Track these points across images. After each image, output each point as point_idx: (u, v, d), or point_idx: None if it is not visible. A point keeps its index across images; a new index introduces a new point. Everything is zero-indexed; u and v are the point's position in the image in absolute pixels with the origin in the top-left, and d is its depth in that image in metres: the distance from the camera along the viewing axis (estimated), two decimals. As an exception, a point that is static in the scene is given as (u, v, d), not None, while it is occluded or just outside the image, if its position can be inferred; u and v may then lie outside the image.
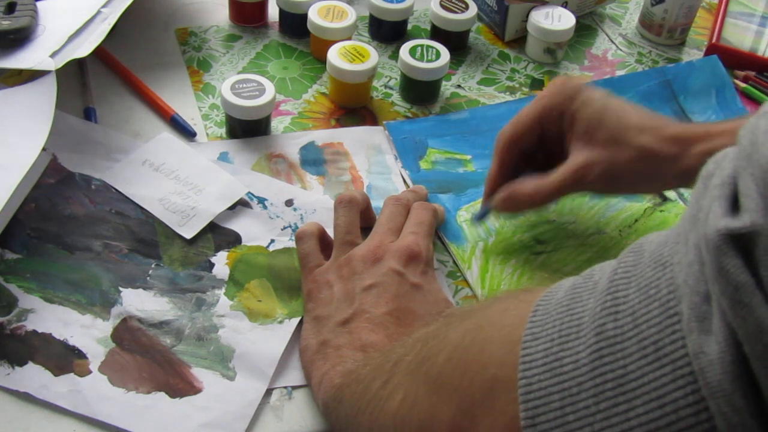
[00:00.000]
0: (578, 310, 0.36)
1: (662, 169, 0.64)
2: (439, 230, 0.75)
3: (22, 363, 0.61)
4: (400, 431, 0.44)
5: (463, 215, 0.76)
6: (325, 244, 0.69)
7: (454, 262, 0.73)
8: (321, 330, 0.63)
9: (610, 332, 0.34)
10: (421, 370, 0.44)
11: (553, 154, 0.69)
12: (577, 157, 0.66)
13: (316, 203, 0.75)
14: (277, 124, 0.83)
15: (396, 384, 0.46)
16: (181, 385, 0.62)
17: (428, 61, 0.85)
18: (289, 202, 0.75)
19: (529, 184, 0.69)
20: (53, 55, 0.78)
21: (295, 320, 0.66)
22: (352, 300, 0.63)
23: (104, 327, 0.64)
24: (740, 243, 0.30)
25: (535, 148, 0.71)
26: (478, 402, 0.37)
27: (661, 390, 0.31)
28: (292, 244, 0.71)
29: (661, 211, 0.79)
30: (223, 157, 0.78)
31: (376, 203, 0.75)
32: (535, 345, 0.36)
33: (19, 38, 0.79)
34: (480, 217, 0.74)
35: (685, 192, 0.81)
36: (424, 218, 0.69)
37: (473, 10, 0.93)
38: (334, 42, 0.86)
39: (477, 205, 0.77)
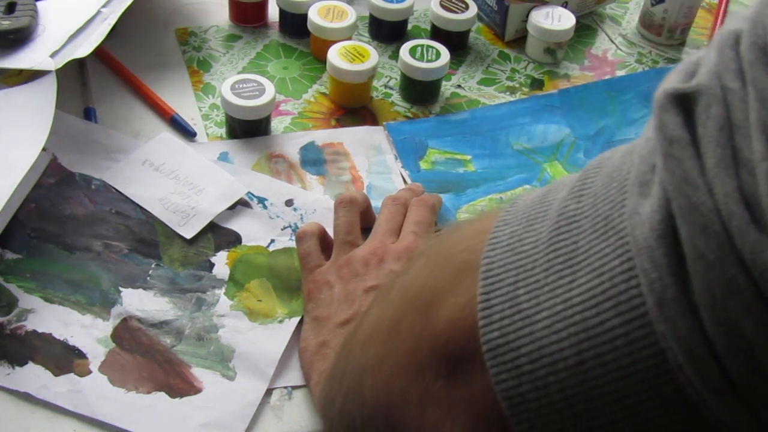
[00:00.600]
0: (550, 198, 0.36)
1: None
2: (440, 227, 0.75)
3: (22, 363, 0.61)
4: (367, 348, 0.43)
5: (464, 215, 0.76)
6: (325, 245, 0.69)
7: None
8: (321, 331, 0.63)
9: (570, 212, 0.34)
10: (395, 285, 0.44)
11: None
12: None
13: (316, 203, 0.75)
14: (277, 124, 0.83)
15: (366, 313, 0.46)
16: (181, 385, 0.62)
17: (428, 61, 0.85)
18: (289, 202, 0.75)
19: None
20: (53, 55, 0.78)
21: (295, 320, 0.66)
22: (353, 301, 0.63)
23: (104, 327, 0.64)
24: (684, 104, 0.30)
25: None
26: (447, 288, 0.38)
27: (602, 260, 0.32)
28: (292, 244, 0.71)
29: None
30: (223, 157, 0.78)
31: (376, 203, 0.75)
32: (504, 229, 0.37)
33: (19, 38, 0.79)
34: None
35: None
36: (423, 216, 0.69)
37: (473, 10, 0.93)
38: (334, 42, 0.86)
39: (477, 205, 0.77)
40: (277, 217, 0.74)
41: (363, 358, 0.42)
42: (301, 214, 0.74)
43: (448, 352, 0.37)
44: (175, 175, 0.75)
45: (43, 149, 0.71)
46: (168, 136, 0.79)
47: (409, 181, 0.79)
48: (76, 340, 0.63)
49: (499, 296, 0.34)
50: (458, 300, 0.37)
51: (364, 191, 0.77)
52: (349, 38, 0.89)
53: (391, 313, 0.41)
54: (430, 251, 0.43)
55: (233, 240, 0.72)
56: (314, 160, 0.80)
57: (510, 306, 0.34)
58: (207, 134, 0.81)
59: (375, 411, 0.41)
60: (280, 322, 0.66)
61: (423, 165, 0.80)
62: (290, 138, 0.81)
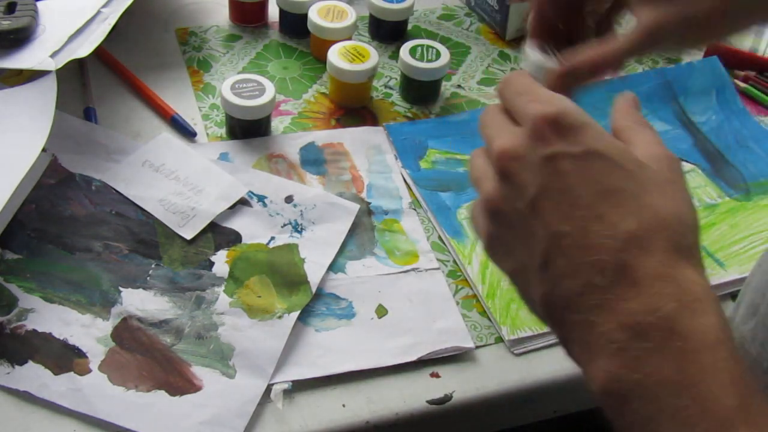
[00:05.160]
0: None
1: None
2: (440, 227, 0.75)
3: (22, 362, 0.61)
4: None
5: (464, 213, 0.76)
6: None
7: (455, 260, 0.73)
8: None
9: None
10: None
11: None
12: (646, 16, 0.57)
13: (316, 198, 0.75)
14: (278, 124, 0.83)
15: None
16: (180, 383, 0.62)
17: (428, 61, 0.85)
18: (288, 199, 0.75)
19: (589, 51, 0.55)
20: (53, 55, 0.78)
21: (294, 314, 0.66)
22: None
23: (104, 326, 0.64)
24: None
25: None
26: None
27: None
28: (292, 240, 0.71)
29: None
30: (224, 158, 0.78)
31: (377, 203, 0.75)
32: None
33: (19, 38, 0.79)
34: None
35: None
36: None
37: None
38: (334, 42, 0.86)
39: (477, 204, 0.77)
40: (277, 214, 0.74)
41: None
42: (301, 210, 0.74)
43: None
44: (175, 175, 0.75)
45: (44, 150, 0.71)
46: (168, 137, 0.79)
47: (409, 180, 0.79)
48: (76, 339, 0.63)
49: None
50: None
51: (364, 191, 0.77)
52: (349, 38, 0.89)
53: None
54: None
55: (233, 239, 0.71)
56: (314, 160, 0.79)
57: None
58: (207, 134, 0.81)
59: None
60: (279, 317, 0.66)
61: (423, 164, 0.80)
62: (290, 138, 0.81)
